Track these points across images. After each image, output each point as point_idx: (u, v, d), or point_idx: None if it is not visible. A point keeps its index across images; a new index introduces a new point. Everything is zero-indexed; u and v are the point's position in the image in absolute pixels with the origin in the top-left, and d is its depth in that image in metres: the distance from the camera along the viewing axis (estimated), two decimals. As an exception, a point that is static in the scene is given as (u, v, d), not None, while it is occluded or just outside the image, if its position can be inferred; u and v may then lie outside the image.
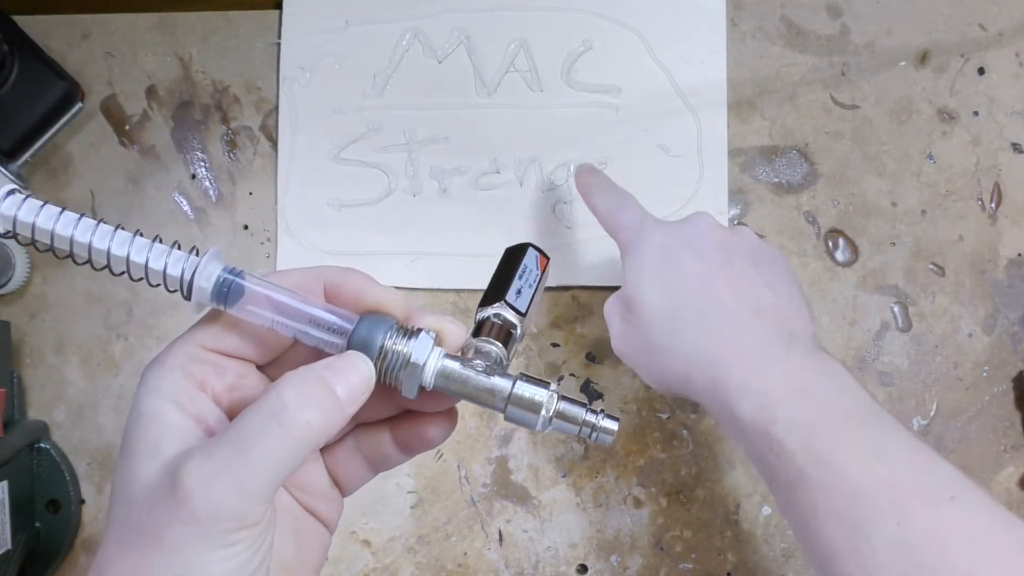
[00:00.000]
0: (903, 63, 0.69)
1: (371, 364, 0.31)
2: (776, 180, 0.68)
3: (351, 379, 0.30)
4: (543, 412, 0.32)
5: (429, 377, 0.32)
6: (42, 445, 0.67)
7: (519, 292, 0.37)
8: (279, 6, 0.70)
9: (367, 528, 0.67)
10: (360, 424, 0.36)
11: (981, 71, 0.68)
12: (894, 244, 0.67)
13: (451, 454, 0.68)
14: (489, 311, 0.35)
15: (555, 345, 0.68)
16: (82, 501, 0.68)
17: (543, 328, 0.68)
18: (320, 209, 0.69)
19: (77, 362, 0.69)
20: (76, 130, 0.70)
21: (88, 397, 0.69)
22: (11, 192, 0.30)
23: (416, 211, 0.69)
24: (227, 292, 0.31)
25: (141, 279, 0.31)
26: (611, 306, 0.51)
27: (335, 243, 0.69)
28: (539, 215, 0.68)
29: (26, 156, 0.68)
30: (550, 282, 0.67)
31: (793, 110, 0.69)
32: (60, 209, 0.30)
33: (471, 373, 0.32)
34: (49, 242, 0.30)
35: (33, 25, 0.69)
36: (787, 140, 0.68)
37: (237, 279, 0.31)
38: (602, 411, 0.33)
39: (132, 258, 0.30)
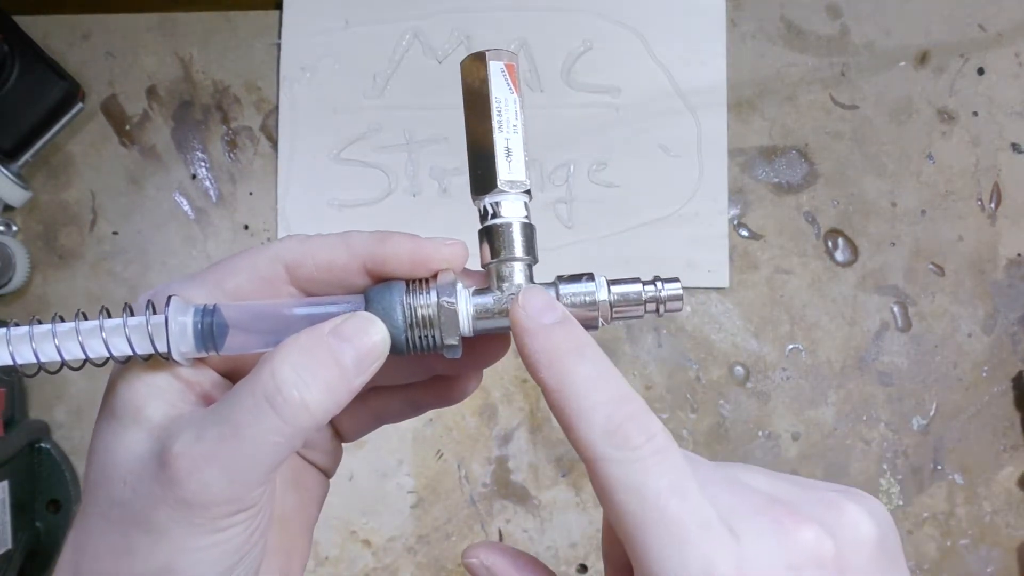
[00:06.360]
0: (903, 63, 0.69)
1: (383, 325, 0.26)
2: (776, 180, 0.68)
3: (361, 345, 0.25)
4: (598, 309, 0.28)
5: (466, 323, 0.28)
6: (42, 445, 0.67)
7: (508, 152, 0.29)
8: (279, 6, 0.70)
9: (367, 528, 0.67)
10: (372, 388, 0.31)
11: (980, 71, 0.68)
12: (894, 244, 0.67)
13: (451, 454, 0.68)
14: (486, 202, 0.30)
15: (555, 345, 0.68)
16: (82, 501, 0.68)
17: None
18: (320, 209, 0.69)
19: (77, 362, 0.69)
20: (76, 130, 0.70)
21: (88, 397, 0.69)
22: None
23: (416, 211, 0.69)
24: (211, 331, 0.26)
25: (128, 357, 0.26)
26: None
27: (335, 243, 0.69)
28: (539, 215, 0.68)
29: (26, 156, 0.68)
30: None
31: (793, 110, 0.69)
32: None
33: (508, 299, 0.28)
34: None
35: (33, 25, 0.69)
36: (787, 140, 0.68)
37: (215, 313, 0.27)
38: (657, 278, 0.28)
39: (97, 351, 0.26)
